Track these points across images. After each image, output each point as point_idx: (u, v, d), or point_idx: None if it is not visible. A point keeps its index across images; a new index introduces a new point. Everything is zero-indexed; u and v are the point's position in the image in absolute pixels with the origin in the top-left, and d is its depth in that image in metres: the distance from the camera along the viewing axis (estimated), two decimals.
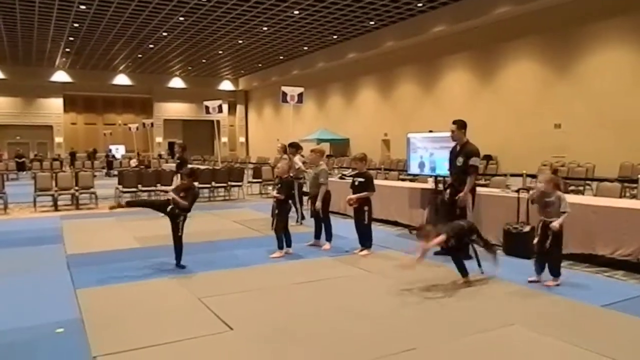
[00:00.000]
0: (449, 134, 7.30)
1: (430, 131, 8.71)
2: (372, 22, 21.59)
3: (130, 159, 27.69)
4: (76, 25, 22.38)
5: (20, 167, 25.06)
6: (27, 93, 33.95)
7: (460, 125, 6.39)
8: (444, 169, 7.40)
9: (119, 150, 32.22)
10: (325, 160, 9.08)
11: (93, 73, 34.59)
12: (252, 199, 14.08)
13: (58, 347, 3.78)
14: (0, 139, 33.51)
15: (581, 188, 12.06)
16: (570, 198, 6.92)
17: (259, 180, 15.08)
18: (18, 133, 34.22)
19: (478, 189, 7.03)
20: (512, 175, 10.90)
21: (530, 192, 5.31)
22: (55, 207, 11.79)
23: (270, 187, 14.09)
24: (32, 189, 12.05)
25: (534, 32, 16.99)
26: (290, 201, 7.13)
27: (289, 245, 6.80)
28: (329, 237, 7.28)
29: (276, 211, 6.79)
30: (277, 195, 6.74)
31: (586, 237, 6.01)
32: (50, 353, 3.65)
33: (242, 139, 42.03)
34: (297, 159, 9.57)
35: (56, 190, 12.04)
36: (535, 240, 5.25)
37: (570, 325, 4.11)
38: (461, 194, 6.19)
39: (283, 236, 6.75)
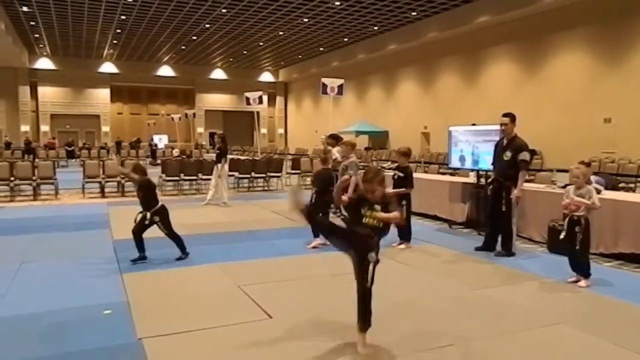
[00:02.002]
0: (492, 127, 7.14)
1: (474, 124, 8.51)
2: (414, 13, 21.25)
3: (172, 148, 28.38)
4: (123, 17, 23.06)
5: (70, 154, 26.13)
6: (77, 84, 35.31)
7: (513, 118, 6.23)
8: (486, 163, 7.23)
9: (162, 140, 33.01)
10: (357, 153, 9.01)
11: (138, 64, 35.60)
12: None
13: (106, 327, 3.94)
14: (51, 127, 35.03)
15: (632, 185, 11.58)
16: (621, 195, 6.67)
17: (298, 171, 15.18)
18: (68, 122, 35.69)
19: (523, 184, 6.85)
20: (559, 170, 10.57)
21: (565, 200, 5.07)
22: (102, 194, 12.24)
23: (308, 179, 14.16)
24: (81, 176, 12.55)
25: (584, 23, 16.31)
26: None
27: (316, 235, 6.76)
28: None
29: (312, 200, 6.84)
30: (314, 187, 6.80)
31: (638, 236, 5.76)
32: (99, 333, 3.81)
33: (281, 131, 42.37)
34: (336, 151, 9.56)
35: (103, 178, 12.51)
36: (562, 236, 5.06)
37: (618, 326, 3.96)
38: (515, 191, 6.00)
39: (317, 225, 6.74)
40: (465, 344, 3.62)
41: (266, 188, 14.22)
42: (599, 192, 5.53)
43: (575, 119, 16.53)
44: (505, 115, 6.26)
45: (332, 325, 3.97)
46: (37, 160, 16.62)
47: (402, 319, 4.10)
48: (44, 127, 34.82)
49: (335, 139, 9.75)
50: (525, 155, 6.08)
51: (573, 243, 4.93)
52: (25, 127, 33.77)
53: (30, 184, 11.89)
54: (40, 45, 30.59)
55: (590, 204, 4.84)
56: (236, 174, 13.74)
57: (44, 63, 33.91)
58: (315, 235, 6.75)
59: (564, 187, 6.82)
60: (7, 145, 27.02)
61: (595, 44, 16.16)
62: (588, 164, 5.03)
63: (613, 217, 5.94)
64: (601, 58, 15.97)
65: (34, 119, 34.88)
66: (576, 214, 4.90)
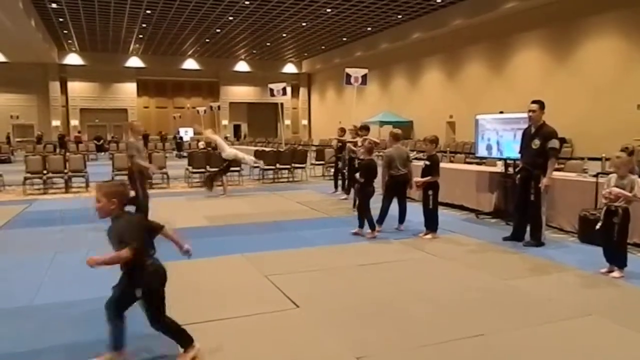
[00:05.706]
0: (521, 115, 7.00)
1: (501, 112, 8.35)
2: (438, 0, 20.90)
3: (198, 141, 28.68)
4: (148, 12, 23.33)
5: (99, 148, 26.69)
6: (104, 78, 35.94)
7: (542, 105, 6.09)
8: (512, 151, 7.10)
9: (187, 133, 33.39)
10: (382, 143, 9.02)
11: (164, 58, 36.01)
12: (314, 180, 14.21)
13: (137, 315, 4.01)
14: (81, 121, 35.82)
15: None
16: None
17: (322, 162, 15.18)
18: (96, 116, 36.42)
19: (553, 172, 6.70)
20: (590, 158, 10.30)
21: (605, 189, 4.92)
22: None
23: (332, 170, 14.14)
24: (110, 168, 12.81)
25: (615, 6, 15.77)
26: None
27: (372, 227, 6.71)
28: (380, 221, 6.97)
29: (356, 191, 6.90)
30: (358, 178, 6.81)
31: None
32: (131, 321, 3.88)
33: (305, 122, 42.37)
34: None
35: None
36: (598, 226, 4.92)
37: None
38: (545, 180, 5.88)
39: (365, 216, 6.76)
40: (494, 334, 3.57)
41: (291, 179, 14.27)
42: None
43: (607, 105, 16.05)
44: (533, 102, 6.13)
45: (359, 315, 3.97)
46: (68, 154, 17.02)
47: (430, 309, 4.08)
48: (74, 122, 35.60)
49: (366, 130, 9.86)
50: (555, 143, 5.94)
51: (610, 234, 4.80)
52: (56, 122, 34.60)
53: (62, 177, 12.21)
54: (69, 41, 31.22)
55: (631, 197, 4.68)
56: (260, 164, 13.83)
57: (73, 59, 34.60)
58: (361, 226, 6.78)
59: (595, 175, 6.67)
60: (39, 139, 27.71)
61: (627, 28, 15.62)
62: (631, 153, 4.81)
63: None
64: (635, 42, 15.43)
65: (64, 114, 35.69)
66: (614, 204, 4.76)
